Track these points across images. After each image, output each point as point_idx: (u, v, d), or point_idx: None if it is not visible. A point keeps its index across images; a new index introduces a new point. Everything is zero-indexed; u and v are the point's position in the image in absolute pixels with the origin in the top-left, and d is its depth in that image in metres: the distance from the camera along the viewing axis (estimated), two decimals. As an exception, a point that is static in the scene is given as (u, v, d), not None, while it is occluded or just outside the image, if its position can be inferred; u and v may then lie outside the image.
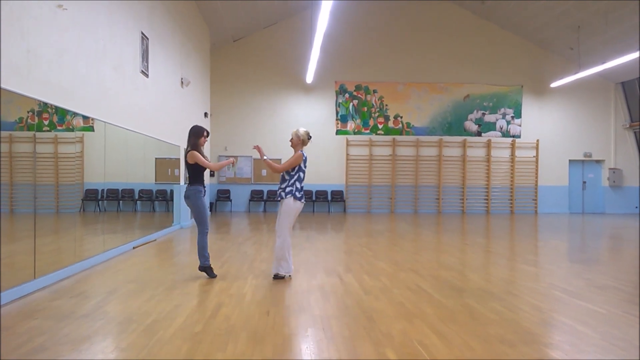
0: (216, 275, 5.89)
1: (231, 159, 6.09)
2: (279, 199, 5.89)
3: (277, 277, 5.83)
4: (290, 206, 5.77)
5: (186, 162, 5.92)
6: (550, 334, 3.94)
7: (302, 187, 5.86)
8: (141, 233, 9.04)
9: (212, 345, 3.51)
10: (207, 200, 6.40)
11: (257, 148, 6.06)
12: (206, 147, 16.08)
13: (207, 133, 6.11)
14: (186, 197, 5.93)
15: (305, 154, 5.90)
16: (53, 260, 5.76)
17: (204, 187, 6.04)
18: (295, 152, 5.90)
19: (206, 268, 5.87)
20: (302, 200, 5.87)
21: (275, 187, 17.32)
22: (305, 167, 5.88)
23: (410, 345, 3.55)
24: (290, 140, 5.97)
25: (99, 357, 3.27)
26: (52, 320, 4.07)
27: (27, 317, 4.17)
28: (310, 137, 6.03)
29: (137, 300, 4.80)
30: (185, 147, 6.08)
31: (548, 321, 4.27)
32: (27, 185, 5.33)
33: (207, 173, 6.62)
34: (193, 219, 6.08)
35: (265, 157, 5.92)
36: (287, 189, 5.79)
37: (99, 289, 5.30)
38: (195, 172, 5.93)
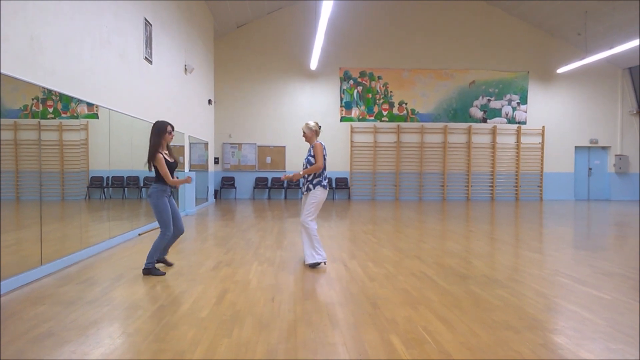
0: (164, 274, 5.38)
1: (188, 178, 5.52)
2: (306, 191, 5.90)
3: (314, 266, 5.81)
4: (317, 196, 5.80)
5: (150, 163, 5.46)
6: (554, 320, 3.94)
7: (326, 176, 5.93)
8: (146, 220, 9.08)
9: (217, 331, 3.53)
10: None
11: (287, 177, 5.99)
12: (211, 135, 16.11)
13: (172, 128, 5.59)
14: (148, 195, 5.44)
15: (322, 142, 5.94)
16: (59, 247, 5.80)
17: (171, 186, 5.56)
18: (310, 144, 5.95)
19: (150, 270, 5.35)
20: (327, 188, 5.91)
21: (280, 175, 17.43)
22: (325, 154, 5.90)
23: (415, 331, 3.56)
24: (304, 135, 5.97)
25: (106, 342, 3.30)
26: (59, 306, 4.11)
27: (34, 303, 4.21)
28: (320, 127, 6.01)
29: (143, 287, 4.84)
30: (149, 144, 5.48)
31: (552, 307, 4.28)
32: (33, 172, 5.34)
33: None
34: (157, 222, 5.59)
35: (300, 172, 5.84)
36: (315, 181, 5.82)
37: (105, 276, 5.33)
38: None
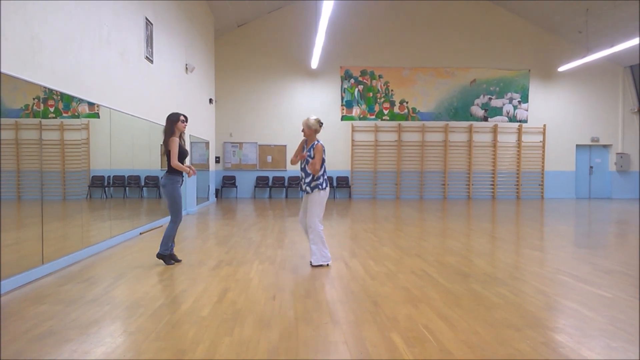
0: (173, 263, 5.85)
1: (190, 170, 5.89)
2: (305, 193, 5.85)
3: (316, 265, 5.78)
4: (317, 198, 5.73)
5: (165, 149, 5.77)
6: (555, 318, 3.94)
7: (325, 177, 5.82)
8: (147, 219, 9.09)
9: (218, 330, 3.54)
10: (184, 189, 6.35)
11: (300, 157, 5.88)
12: (211, 134, 16.11)
13: (185, 118, 5.89)
14: (162, 185, 5.79)
15: (322, 143, 5.81)
16: (60, 246, 5.80)
17: (182, 176, 5.88)
18: (309, 142, 5.82)
19: (164, 256, 5.80)
20: (326, 188, 5.81)
21: (280, 174, 17.43)
22: (325, 155, 5.79)
23: (416, 329, 3.57)
24: (303, 131, 5.84)
25: (107, 341, 3.31)
26: (60, 305, 4.12)
27: (35, 302, 4.22)
28: (322, 123, 5.85)
29: (144, 285, 4.84)
30: (164, 135, 5.84)
31: (553, 305, 4.28)
32: (34, 172, 5.35)
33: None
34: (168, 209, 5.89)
35: (307, 154, 5.75)
36: (312, 184, 5.72)
37: (106, 274, 5.34)
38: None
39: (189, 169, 5.87)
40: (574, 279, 5.24)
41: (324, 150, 5.76)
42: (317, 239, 5.73)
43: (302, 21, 17.45)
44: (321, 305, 4.20)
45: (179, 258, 6.06)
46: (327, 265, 5.82)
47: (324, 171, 5.79)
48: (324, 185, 5.76)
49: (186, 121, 5.91)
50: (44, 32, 5.36)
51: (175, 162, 5.67)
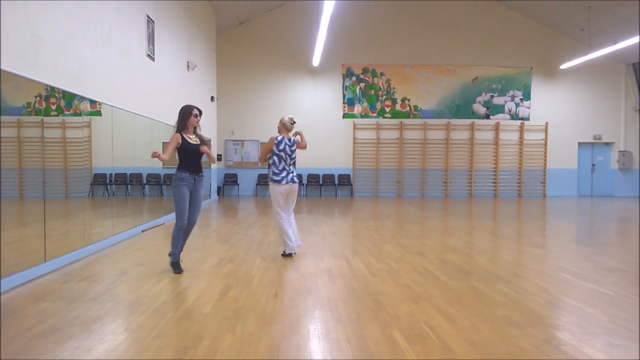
0: (181, 271, 5.27)
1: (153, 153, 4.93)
2: None
3: (284, 255, 6.23)
4: (271, 189, 6.16)
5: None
6: (557, 316, 3.94)
7: (280, 170, 6.10)
8: (149, 217, 9.10)
9: (220, 327, 3.54)
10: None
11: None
12: (213, 132, 16.11)
13: (199, 111, 5.38)
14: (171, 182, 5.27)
15: (279, 138, 6.20)
16: (62, 243, 5.82)
17: (193, 173, 5.29)
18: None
19: (173, 264, 5.29)
20: (281, 182, 6.07)
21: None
22: (280, 150, 6.13)
23: (417, 326, 3.57)
24: (278, 127, 6.37)
25: (109, 338, 3.32)
26: (63, 302, 4.13)
27: (38, 300, 4.23)
28: (294, 122, 6.35)
29: (146, 283, 4.85)
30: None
31: (555, 303, 4.28)
32: (36, 169, 5.36)
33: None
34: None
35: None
36: (269, 175, 6.19)
37: (108, 272, 5.35)
38: (181, 155, 5.29)
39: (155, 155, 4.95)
40: (575, 276, 5.24)
41: (277, 143, 6.15)
42: (279, 229, 6.15)
43: (303, 19, 17.42)
44: (323, 302, 4.21)
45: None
46: (291, 255, 6.16)
47: (272, 165, 6.13)
48: (274, 178, 6.09)
49: (200, 115, 5.41)
50: (46, 29, 5.36)
51: (154, 153, 4.94)
